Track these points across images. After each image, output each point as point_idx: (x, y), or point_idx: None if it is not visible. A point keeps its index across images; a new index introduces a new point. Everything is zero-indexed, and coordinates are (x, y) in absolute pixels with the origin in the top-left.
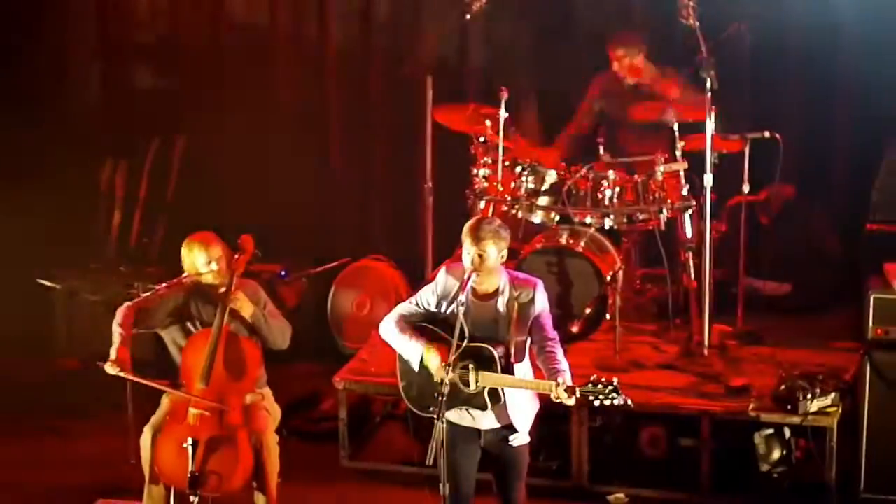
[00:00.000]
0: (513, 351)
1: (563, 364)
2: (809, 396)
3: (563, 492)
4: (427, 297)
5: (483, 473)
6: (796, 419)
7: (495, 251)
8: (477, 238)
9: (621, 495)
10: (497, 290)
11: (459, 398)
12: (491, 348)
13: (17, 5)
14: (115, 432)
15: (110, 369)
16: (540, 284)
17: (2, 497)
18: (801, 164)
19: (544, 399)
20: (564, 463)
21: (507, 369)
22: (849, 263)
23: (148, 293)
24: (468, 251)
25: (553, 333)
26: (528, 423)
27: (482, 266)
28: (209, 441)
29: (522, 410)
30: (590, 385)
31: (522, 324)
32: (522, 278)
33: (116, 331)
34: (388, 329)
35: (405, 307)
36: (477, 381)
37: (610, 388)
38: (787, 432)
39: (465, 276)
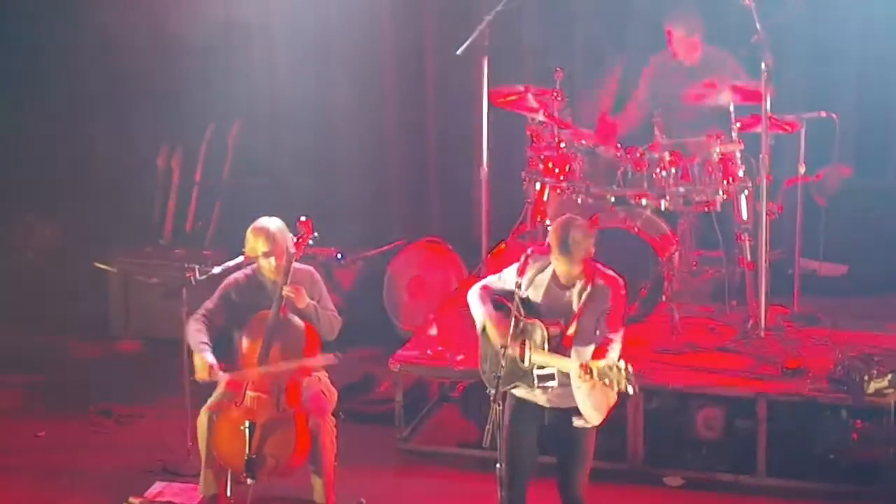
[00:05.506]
0: (571, 332)
1: (610, 353)
2: (866, 378)
3: (619, 474)
4: (509, 277)
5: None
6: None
7: (583, 254)
8: (568, 251)
9: (677, 477)
10: (578, 280)
11: (529, 374)
12: (542, 326)
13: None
14: (173, 415)
15: (199, 379)
16: (620, 283)
17: (61, 479)
18: (857, 144)
19: None
20: (621, 445)
21: (556, 349)
22: None
23: (209, 300)
24: (558, 260)
25: (615, 333)
26: (594, 414)
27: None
28: (266, 424)
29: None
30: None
31: (591, 314)
32: (607, 274)
33: (195, 347)
34: (473, 295)
35: (491, 279)
36: (531, 358)
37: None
38: (844, 413)
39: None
